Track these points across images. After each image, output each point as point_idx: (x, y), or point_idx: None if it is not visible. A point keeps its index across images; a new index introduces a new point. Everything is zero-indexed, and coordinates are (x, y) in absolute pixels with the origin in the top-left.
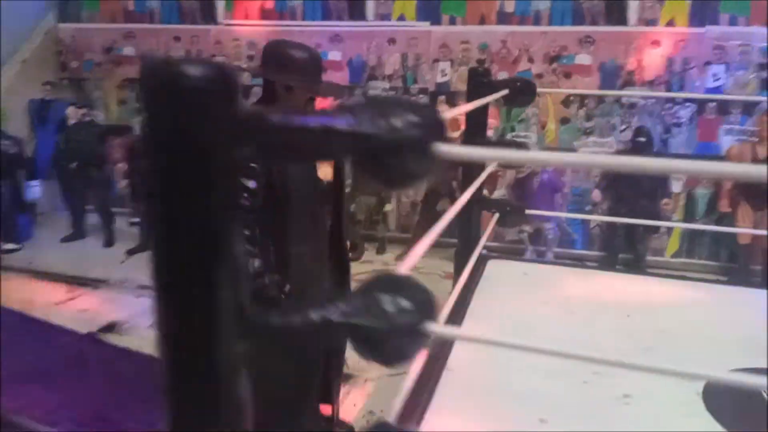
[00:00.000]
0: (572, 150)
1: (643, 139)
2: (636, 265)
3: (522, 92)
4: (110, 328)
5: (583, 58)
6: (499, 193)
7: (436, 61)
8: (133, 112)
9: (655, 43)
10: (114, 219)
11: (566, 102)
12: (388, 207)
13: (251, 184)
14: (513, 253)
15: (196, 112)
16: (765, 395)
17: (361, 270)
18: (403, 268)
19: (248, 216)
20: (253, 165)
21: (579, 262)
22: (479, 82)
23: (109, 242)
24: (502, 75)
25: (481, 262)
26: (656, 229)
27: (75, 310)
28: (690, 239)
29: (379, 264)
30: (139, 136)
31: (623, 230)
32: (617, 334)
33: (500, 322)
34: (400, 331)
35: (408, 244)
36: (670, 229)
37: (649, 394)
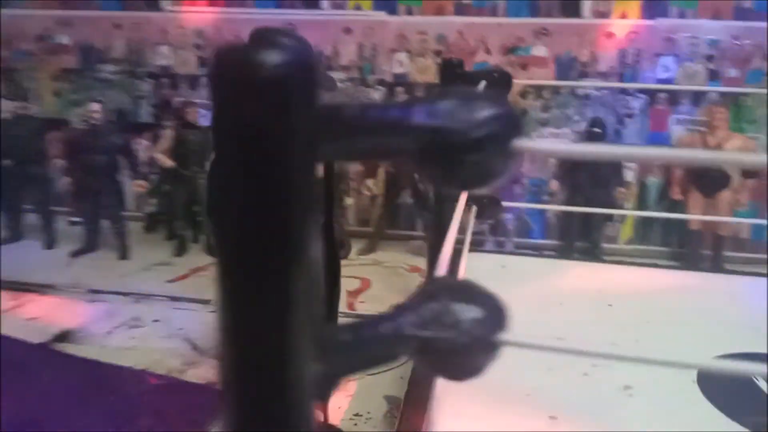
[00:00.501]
0: None
1: (597, 130)
2: (592, 253)
3: (499, 83)
4: (64, 337)
5: (539, 50)
6: None
7: (394, 51)
8: (70, 104)
9: (609, 35)
10: (55, 219)
11: (523, 94)
12: (348, 201)
13: None
14: (474, 244)
15: (276, 106)
16: (756, 381)
17: None
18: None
19: None
20: None
21: (537, 251)
22: (453, 73)
23: (50, 244)
24: None
25: (456, 255)
26: (611, 217)
27: (23, 319)
28: (642, 226)
29: (342, 260)
30: (77, 130)
31: (579, 219)
32: (607, 325)
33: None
34: (476, 343)
35: (369, 237)
36: (623, 217)
37: (647, 384)
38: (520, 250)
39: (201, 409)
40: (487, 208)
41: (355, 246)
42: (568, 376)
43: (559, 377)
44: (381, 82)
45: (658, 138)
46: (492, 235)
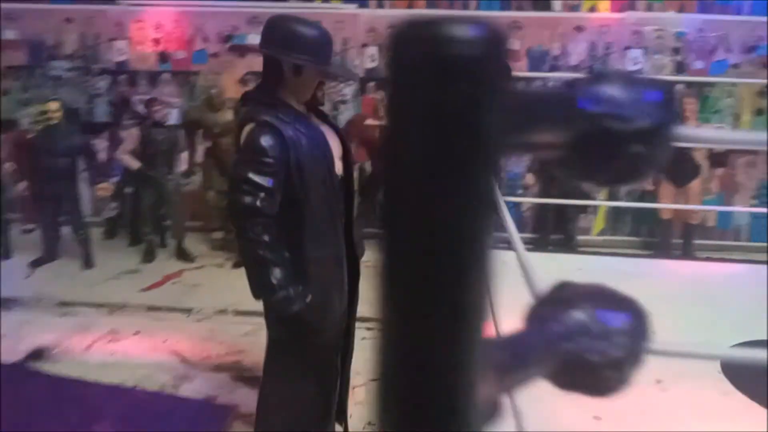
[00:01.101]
0: None
1: None
2: (567, 245)
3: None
4: (38, 355)
5: (512, 43)
6: None
7: (365, 45)
8: (17, 104)
9: (579, 28)
10: (9, 227)
11: None
12: None
13: (268, 182)
14: None
15: (466, 88)
16: None
17: None
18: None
19: (266, 219)
20: (268, 159)
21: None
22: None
23: (6, 253)
24: None
25: None
26: (585, 209)
27: None
28: (614, 217)
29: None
30: (31, 131)
31: (554, 212)
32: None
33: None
34: (629, 354)
35: None
36: (596, 209)
37: (677, 376)
38: (496, 244)
39: (205, 424)
40: None
41: None
42: None
43: None
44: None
45: None
46: None
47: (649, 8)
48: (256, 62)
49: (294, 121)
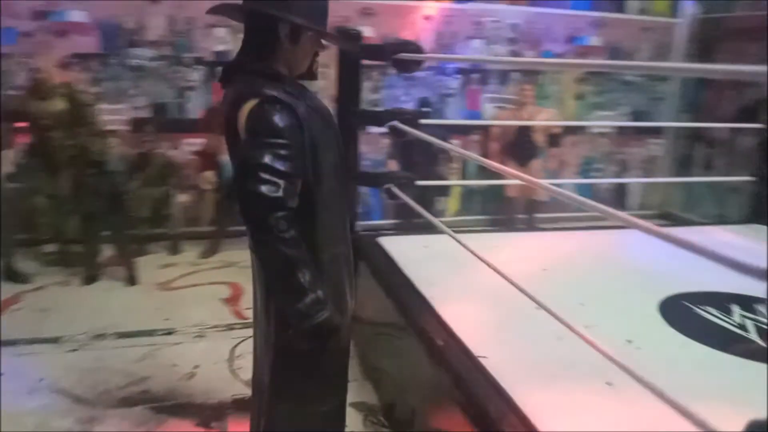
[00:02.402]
0: None
1: (429, 109)
2: (428, 227)
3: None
4: None
5: (367, 31)
6: None
7: (212, 26)
8: None
9: (427, 17)
10: None
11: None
12: (182, 198)
13: (288, 167)
14: None
15: None
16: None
17: (174, 275)
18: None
19: (290, 212)
20: (285, 141)
21: (377, 231)
22: (353, 44)
23: None
24: None
25: (365, 240)
26: (445, 191)
27: None
28: (466, 199)
29: (186, 265)
30: None
31: (415, 196)
32: (562, 287)
33: (480, 296)
34: None
35: (214, 236)
36: (449, 191)
37: (645, 337)
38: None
39: None
40: (404, 187)
41: (192, 250)
42: (580, 342)
43: (579, 344)
44: (199, 61)
45: (474, 116)
46: None
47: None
48: (80, 43)
49: (302, 96)
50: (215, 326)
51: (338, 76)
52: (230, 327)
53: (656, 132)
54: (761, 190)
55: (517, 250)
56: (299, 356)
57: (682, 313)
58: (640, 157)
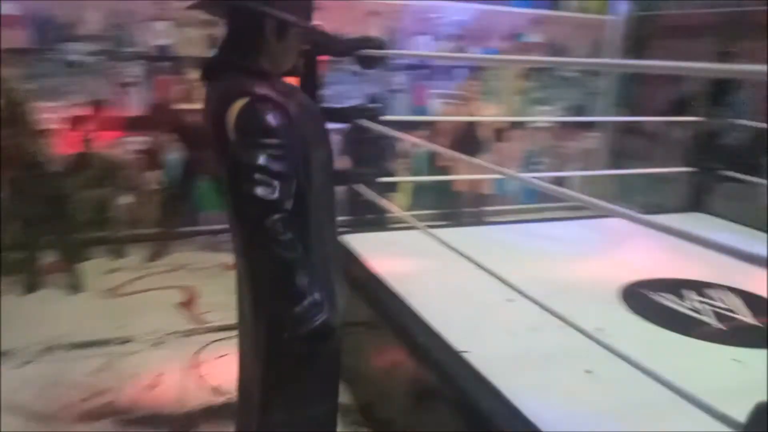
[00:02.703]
0: None
1: (380, 105)
2: (379, 223)
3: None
4: None
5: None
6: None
7: (153, 19)
8: None
9: (375, 13)
10: None
11: None
12: (125, 200)
13: (283, 167)
14: None
15: None
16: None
17: (121, 280)
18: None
19: (285, 213)
20: (279, 141)
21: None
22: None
23: None
24: None
25: None
26: (394, 187)
27: None
28: (416, 194)
29: (132, 270)
30: None
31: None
32: (526, 279)
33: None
34: None
35: (161, 238)
36: (400, 186)
37: (613, 325)
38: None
39: None
40: (369, 184)
41: (139, 252)
42: (558, 332)
43: (555, 334)
44: (140, 56)
45: (421, 111)
46: None
47: None
48: (11, 37)
49: (291, 94)
50: (174, 332)
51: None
52: (189, 333)
53: (592, 126)
54: (701, 180)
55: (478, 244)
56: (293, 361)
57: (641, 300)
58: (578, 150)
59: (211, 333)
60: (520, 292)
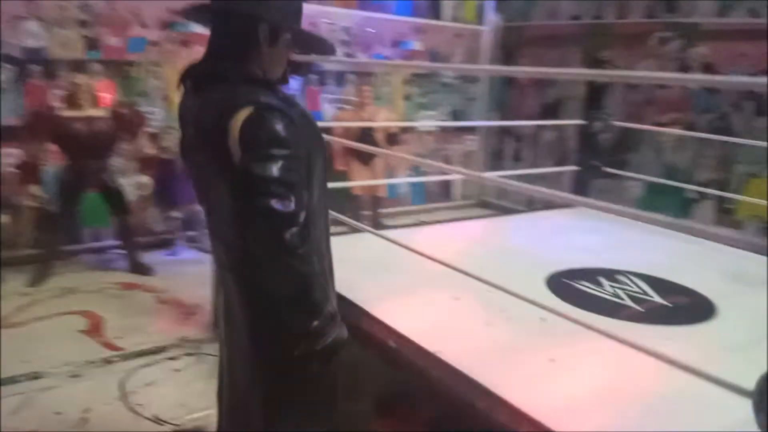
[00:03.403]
0: None
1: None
2: None
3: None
4: None
5: (199, 27)
6: (135, 179)
7: (20, 18)
8: None
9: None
10: None
11: None
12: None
13: (298, 179)
14: (165, 245)
15: None
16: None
17: (7, 309)
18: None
19: (298, 226)
20: (291, 151)
21: None
22: None
23: None
24: (114, 40)
25: None
26: None
27: None
28: None
29: (15, 297)
30: None
31: None
32: (462, 277)
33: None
34: None
35: (41, 260)
36: None
37: (553, 315)
38: None
39: None
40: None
41: (17, 277)
42: (517, 321)
43: (514, 324)
44: (9, 59)
45: (316, 116)
46: (185, 230)
47: (321, 2)
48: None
49: (290, 103)
50: (89, 362)
51: None
52: (107, 361)
53: (471, 129)
54: (582, 177)
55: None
56: (300, 378)
57: (566, 289)
58: (459, 153)
59: (132, 359)
60: (500, 288)
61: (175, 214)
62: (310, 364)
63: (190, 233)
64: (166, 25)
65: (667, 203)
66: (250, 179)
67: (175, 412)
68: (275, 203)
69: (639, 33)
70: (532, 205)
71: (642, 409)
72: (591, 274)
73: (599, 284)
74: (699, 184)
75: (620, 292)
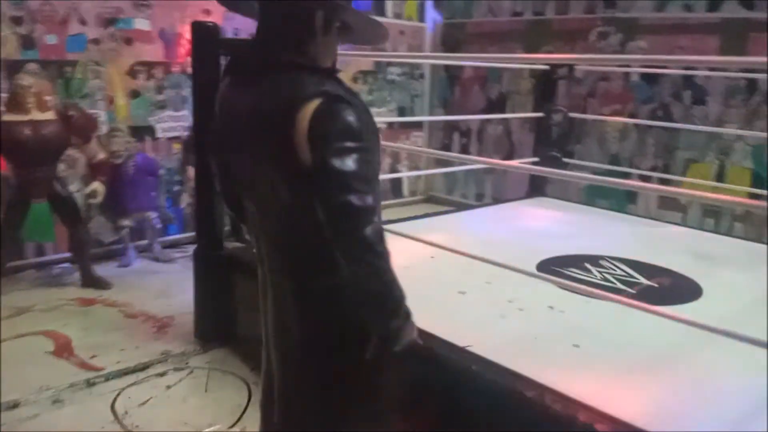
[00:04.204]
0: (149, 126)
1: None
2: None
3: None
4: None
5: (142, 23)
6: (87, 187)
7: None
8: None
9: (206, 12)
10: None
11: (133, 73)
12: None
13: (369, 170)
14: (114, 256)
15: None
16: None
17: None
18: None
19: (377, 222)
20: (366, 144)
21: (181, 247)
22: (208, 42)
23: None
24: (51, 38)
25: (245, 258)
26: None
27: None
28: None
29: None
30: None
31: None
32: (461, 269)
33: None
34: None
35: None
36: None
37: (559, 303)
38: (171, 250)
39: None
40: None
41: None
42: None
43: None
44: None
45: None
46: (135, 240)
47: None
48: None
49: (353, 93)
50: (69, 386)
51: (193, 77)
52: (90, 383)
53: (418, 125)
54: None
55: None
56: (371, 384)
57: (558, 276)
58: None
59: (116, 379)
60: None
61: (126, 222)
62: (385, 368)
63: (141, 242)
64: (108, 22)
65: (614, 190)
66: (326, 174)
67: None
68: (354, 198)
69: (579, 29)
70: (482, 198)
71: (693, 382)
72: (577, 261)
73: (587, 270)
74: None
75: (609, 276)
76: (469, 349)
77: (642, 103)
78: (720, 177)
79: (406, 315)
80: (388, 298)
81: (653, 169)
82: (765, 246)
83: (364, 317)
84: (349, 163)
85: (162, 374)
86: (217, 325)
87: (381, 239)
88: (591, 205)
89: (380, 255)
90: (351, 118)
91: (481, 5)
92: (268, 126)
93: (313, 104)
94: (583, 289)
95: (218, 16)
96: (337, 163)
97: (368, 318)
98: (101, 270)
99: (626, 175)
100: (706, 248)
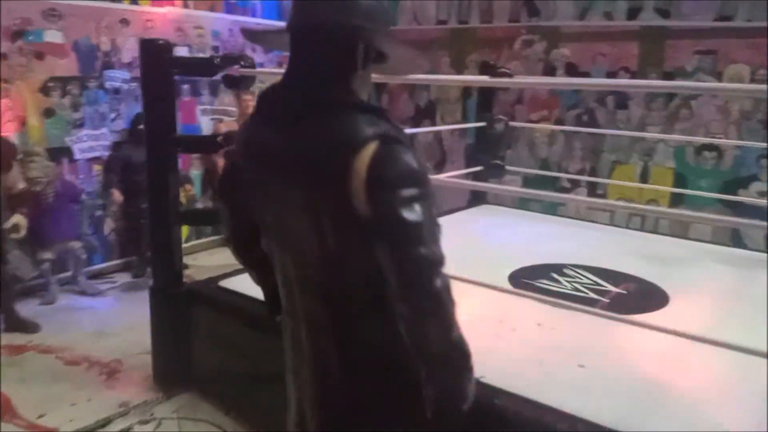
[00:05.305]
0: (66, 148)
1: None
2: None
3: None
4: None
5: (54, 35)
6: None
7: None
8: None
9: (124, 21)
10: None
11: (45, 90)
12: None
13: (435, 217)
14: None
15: None
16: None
17: None
18: None
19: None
20: (427, 189)
21: (107, 277)
22: (159, 60)
23: None
24: None
25: (204, 291)
26: None
27: None
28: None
29: None
30: None
31: (137, 228)
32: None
33: None
34: None
35: None
36: None
37: (547, 318)
38: (96, 281)
39: None
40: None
41: None
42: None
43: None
44: None
45: (191, 130)
46: (57, 273)
47: (186, 6)
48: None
49: (399, 129)
50: None
51: (144, 96)
52: None
53: None
54: (481, 176)
55: None
56: None
57: (531, 288)
58: None
59: None
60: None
61: (47, 255)
62: (452, 427)
63: (64, 275)
64: (15, 35)
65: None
66: (395, 226)
67: None
68: (426, 251)
69: (504, 37)
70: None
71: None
72: (543, 271)
73: (555, 280)
74: (571, 174)
75: (578, 286)
76: (483, 380)
77: (568, 109)
78: (644, 177)
79: (472, 370)
80: (461, 354)
81: (581, 171)
82: (711, 245)
83: (429, 374)
84: (418, 212)
85: (127, 431)
86: (179, 368)
87: (449, 291)
88: (525, 209)
89: (451, 309)
90: (412, 161)
91: (406, 14)
92: (318, 172)
93: (371, 148)
94: (567, 305)
95: (137, 27)
96: (406, 213)
97: (434, 375)
98: (23, 309)
99: (556, 179)
100: (657, 250)
